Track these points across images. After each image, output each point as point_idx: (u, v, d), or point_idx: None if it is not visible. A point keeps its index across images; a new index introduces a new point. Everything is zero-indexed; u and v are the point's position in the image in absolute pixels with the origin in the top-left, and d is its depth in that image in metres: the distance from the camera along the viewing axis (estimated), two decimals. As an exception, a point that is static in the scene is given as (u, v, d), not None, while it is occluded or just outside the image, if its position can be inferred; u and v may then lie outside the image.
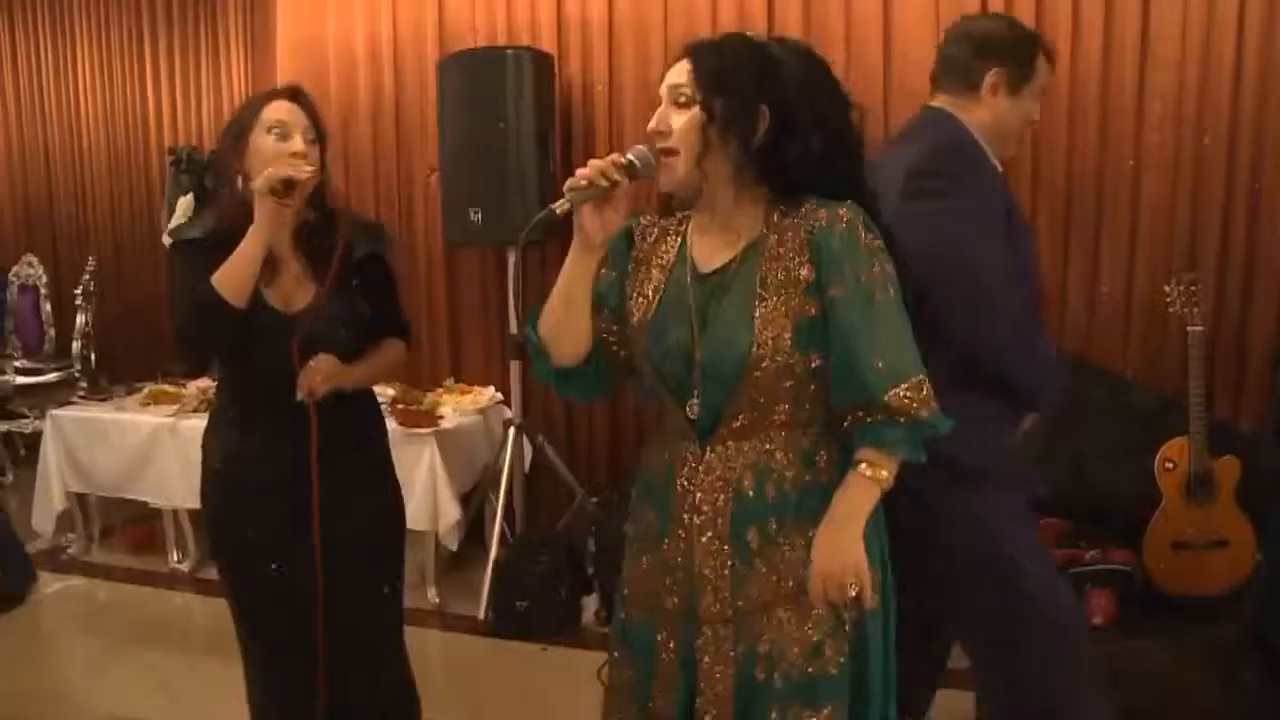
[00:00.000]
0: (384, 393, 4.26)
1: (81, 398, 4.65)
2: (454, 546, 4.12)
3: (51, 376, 4.88)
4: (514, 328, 4.36)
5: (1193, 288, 3.44)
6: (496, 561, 4.04)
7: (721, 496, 1.68)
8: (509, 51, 4.11)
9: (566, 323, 1.74)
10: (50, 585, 4.37)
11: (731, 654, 1.69)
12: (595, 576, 4.00)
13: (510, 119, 4.02)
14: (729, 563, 1.68)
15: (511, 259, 4.35)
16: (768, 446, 1.67)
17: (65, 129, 5.94)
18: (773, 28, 4.16)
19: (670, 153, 1.65)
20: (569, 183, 1.61)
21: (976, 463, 2.12)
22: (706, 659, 1.70)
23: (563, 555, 4.00)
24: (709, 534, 1.69)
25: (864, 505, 1.63)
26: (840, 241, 1.60)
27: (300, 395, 2.18)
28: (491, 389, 4.60)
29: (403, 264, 4.71)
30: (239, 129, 2.17)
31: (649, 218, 1.83)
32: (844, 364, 1.60)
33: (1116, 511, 3.61)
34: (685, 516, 1.71)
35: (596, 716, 1.92)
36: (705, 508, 1.69)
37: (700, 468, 1.70)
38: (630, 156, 1.64)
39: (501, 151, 4.04)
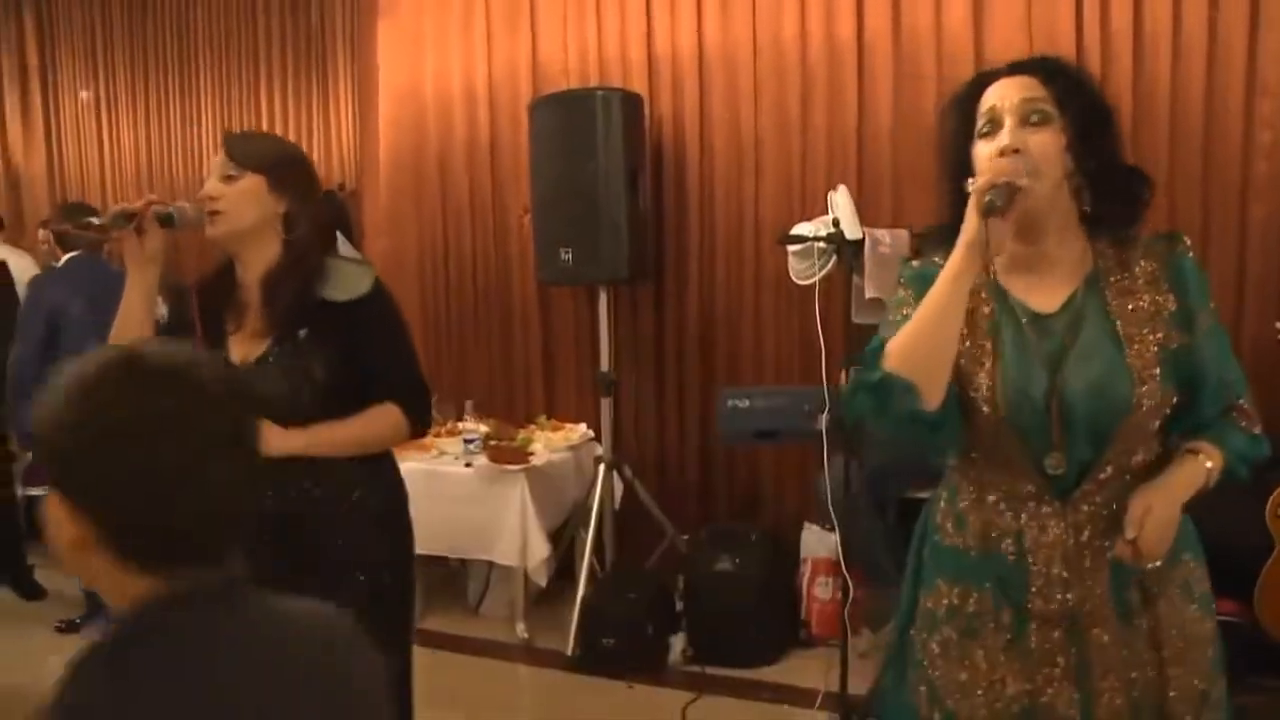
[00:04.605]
0: (477, 429, 4.36)
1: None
2: (543, 582, 4.16)
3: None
4: (605, 365, 4.41)
5: (1305, 323, 3.27)
6: (585, 598, 4.06)
7: (1097, 560, 1.53)
8: (598, 93, 4.18)
9: (939, 358, 1.50)
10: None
11: None
12: (684, 614, 3.99)
13: (599, 159, 4.08)
14: (1116, 631, 1.54)
15: (603, 298, 4.40)
16: (1127, 494, 1.53)
17: (190, 177, 6.23)
18: (862, 63, 4.14)
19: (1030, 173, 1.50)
20: (991, 179, 1.43)
21: None
22: None
23: (652, 593, 4.01)
24: (1090, 604, 1.54)
25: (1190, 488, 1.53)
26: (1194, 269, 1.55)
27: None
28: (584, 426, 4.64)
29: (496, 303, 4.92)
30: None
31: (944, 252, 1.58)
32: (1212, 382, 1.54)
33: (1225, 560, 3.41)
34: (1054, 590, 1.55)
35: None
36: (1083, 577, 1.54)
37: (1065, 531, 1.54)
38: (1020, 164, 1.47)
39: (591, 192, 4.10)
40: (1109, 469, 1.53)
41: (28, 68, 6.73)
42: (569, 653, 3.99)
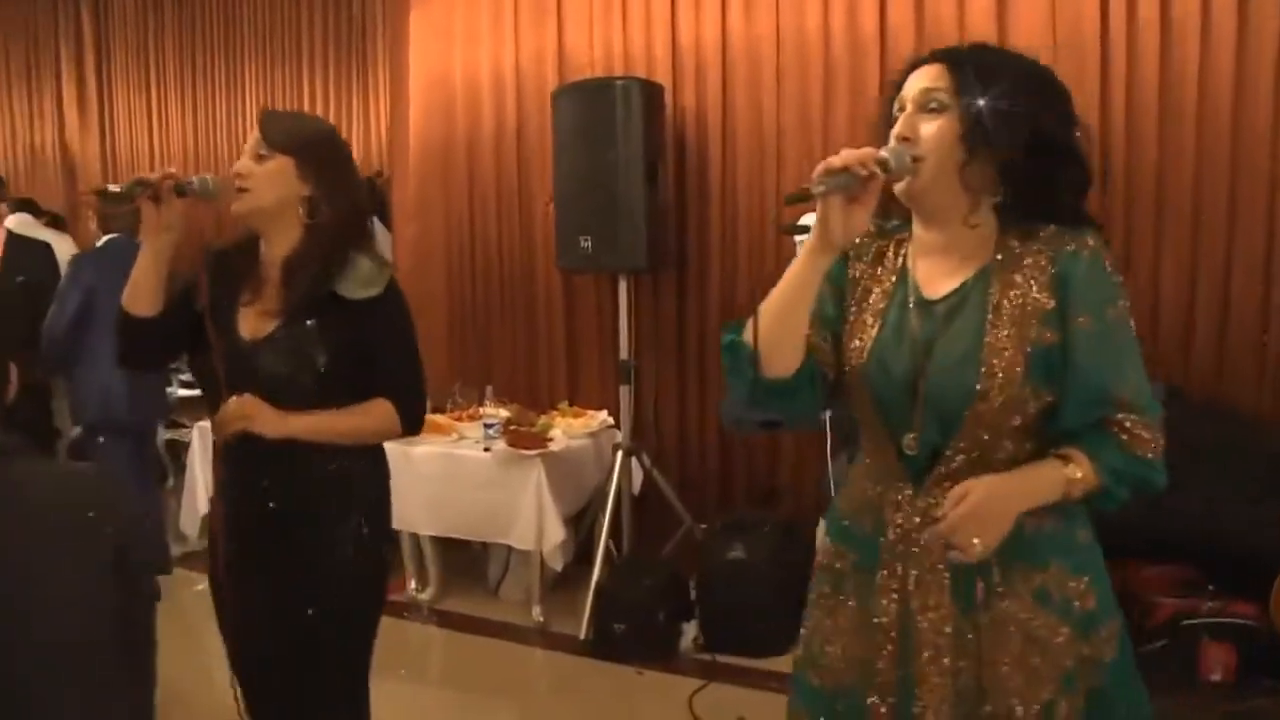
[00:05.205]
0: (498, 414, 4.41)
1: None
2: (558, 566, 4.19)
3: (209, 390, 5.21)
4: (624, 353, 4.43)
5: (1333, 321, 3.17)
6: (599, 584, 4.09)
7: (940, 545, 1.51)
8: (618, 82, 4.19)
9: (785, 329, 1.55)
10: (198, 584, 4.69)
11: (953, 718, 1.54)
12: (697, 603, 4.00)
13: (619, 148, 4.10)
14: (950, 618, 1.53)
15: (622, 285, 4.42)
16: None
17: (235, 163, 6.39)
18: (885, 55, 4.10)
19: (916, 160, 1.51)
20: (822, 166, 1.45)
21: None
22: None
23: (665, 580, 4.02)
24: (927, 587, 1.55)
25: (1042, 491, 1.47)
26: (1087, 271, 1.49)
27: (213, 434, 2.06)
28: (604, 413, 4.66)
29: (520, 289, 4.96)
30: None
31: (867, 234, 1.65)
32: (1083, 388, 1.47)
33: (1241, 561, 3.36)
34: (898, 566, 1.57)
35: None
36: (923, 558, 1.55)
37: (915, 513, 1.56)
38: (885, 153, 1.48)
39: (610, 181, 4.12)
40: (959, 458, 1.53)
41: (84, 59, 6.95)
42: (582, 637, 4.03)
